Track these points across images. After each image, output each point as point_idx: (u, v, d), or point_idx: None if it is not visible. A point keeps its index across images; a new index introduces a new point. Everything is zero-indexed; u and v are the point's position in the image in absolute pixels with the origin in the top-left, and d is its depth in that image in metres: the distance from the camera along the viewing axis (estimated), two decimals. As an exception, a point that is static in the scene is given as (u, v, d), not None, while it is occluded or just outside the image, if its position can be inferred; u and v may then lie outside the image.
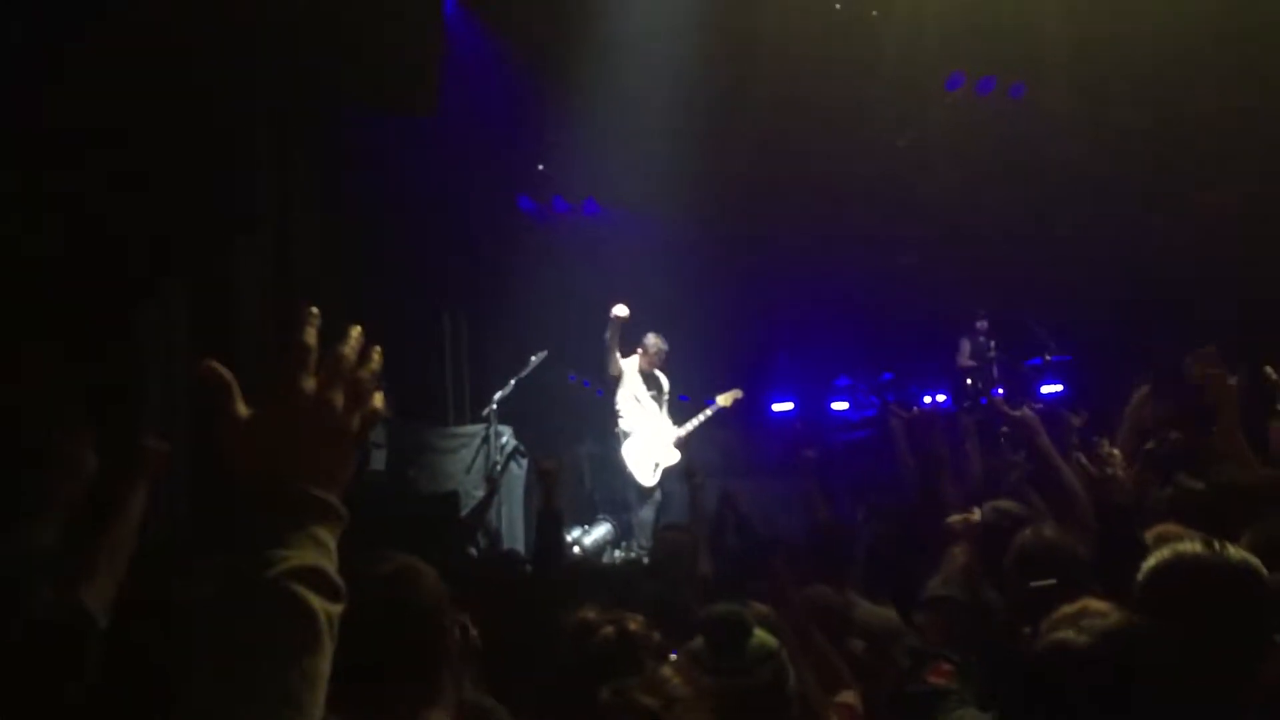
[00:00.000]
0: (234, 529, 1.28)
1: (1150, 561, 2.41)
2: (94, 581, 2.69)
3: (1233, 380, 4.32)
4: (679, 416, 9.56)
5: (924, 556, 4.29)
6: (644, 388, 9.39)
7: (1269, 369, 4.55)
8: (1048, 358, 11.46)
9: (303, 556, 1.25)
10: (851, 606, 4.08)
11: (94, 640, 2.38)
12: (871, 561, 4.95)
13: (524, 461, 9.18)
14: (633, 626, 2.44)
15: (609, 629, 2.43)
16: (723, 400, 9.52)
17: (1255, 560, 2.34)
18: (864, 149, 11.29)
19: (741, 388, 9.87)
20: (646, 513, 9.17)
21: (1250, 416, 4.57)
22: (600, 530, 9.64)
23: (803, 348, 12.15)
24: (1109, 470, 3.78)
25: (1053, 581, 3.01)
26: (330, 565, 1.27)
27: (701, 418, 9.48)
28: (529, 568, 4.95)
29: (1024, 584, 3.21)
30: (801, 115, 10.77)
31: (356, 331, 1.39)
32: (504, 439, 9.10)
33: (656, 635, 2.45)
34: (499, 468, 8.93)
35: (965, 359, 11.86)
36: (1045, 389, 11.47)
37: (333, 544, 1.30)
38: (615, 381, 9.37)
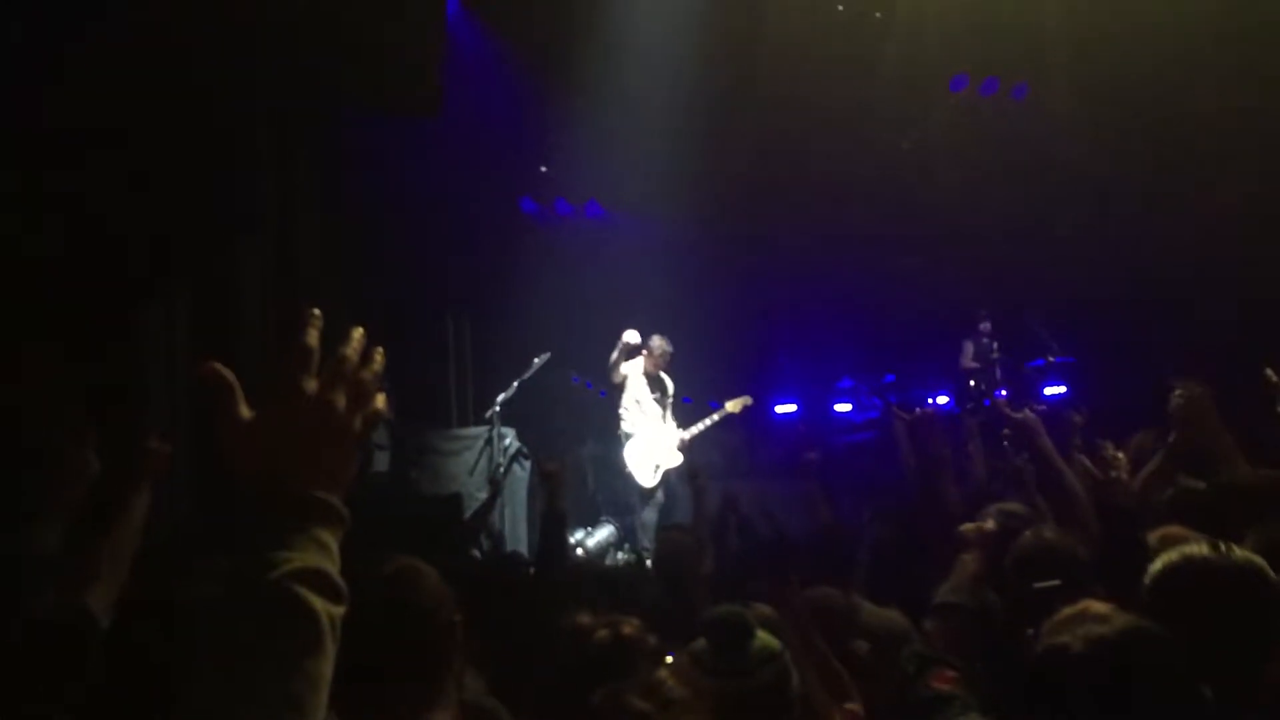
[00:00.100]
0: (236, 530, 1.28)
1: (1157, 564, 2.40)
2: (96, 582, 2.69)
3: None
4: (682, 418, 9.56)
5: (927, 559, 4.28)
6: (648, 390, 9.38)
7: (1269, 371, 4.55)
8: (1050, 359, 11.45)
9: (305, 558, 1.24)
10: (856, 608, 4.07)
11: (96, 641, 2.38)
12: (875, 564, 4.94)
13: (527, 463, 9.18)
14: (628, 630, 2.43)
15: (604, 632, 2.43)
16: (731, 406, 9.51)
17: (1261, 561, 2.34)
18: (867, 150, 11.29)
19: (744, 389, 9.87)
20: (649, 514, 9.17)
21: (1251, 418, 4.57)
22: (603, 532, 9.63)
23: (805, 349, 12.14)
24: (1113, 473, 3.77)
25: (1057, 582, 3.01)
26: (332, 566, 1.27)
27: (707, 421, 9.47)
28: (532, 570, 4.94)
29: (1023, 586, 3.21)
30: (804, 116, 10.77)
31: (358, 333, 1.39)
32: (507, 441, 9.10)
33: (653, 638, 2.44)
34: (502, 470, 8.92)
35: (968, 360, 11.84)
36: (1048, 390, 11.46)
37: (335, 545, 1.29)
38: (619, 384, 9.39)
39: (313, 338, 1.35)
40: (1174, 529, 3.15)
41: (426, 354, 10.27)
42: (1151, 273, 10.72)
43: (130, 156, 5.88)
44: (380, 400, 1.40)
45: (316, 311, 1.36)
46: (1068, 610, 2.23)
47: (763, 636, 2.88)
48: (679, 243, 11.46)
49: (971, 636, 3.47)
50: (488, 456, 9.01)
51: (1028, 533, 3.53)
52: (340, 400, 1.34)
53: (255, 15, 6.45)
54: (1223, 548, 2.36)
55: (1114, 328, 11.04)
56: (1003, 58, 10.85)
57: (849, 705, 3.19)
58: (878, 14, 10.51)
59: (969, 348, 11.86)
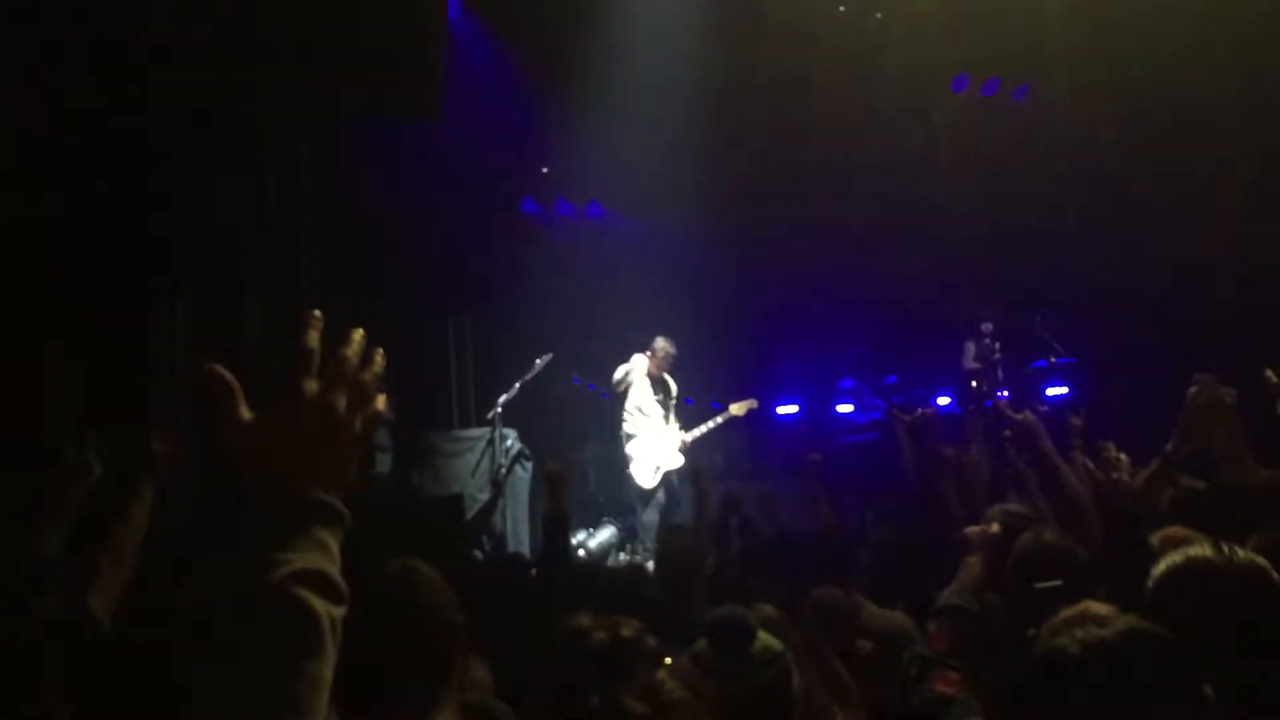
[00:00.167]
0: (236, 531, 1.28)
1: (1160, 566, 2.40)
2: (98, 584, 2.69)
3: (1229, 397, 4.34)
4: (684, 419, 9.56)
5: (929, 560, 4.28)
6: (651, 392, 9.38)
7: (1269, 373, 4.55)
8: (1053, 360, 11.45)
9: (306, 559, 1.25)
10: (859, 609, 4.07)
11: (97, 642, 2.39)
12: (877, 565, 4.94)
13: (529, 464, 9.18)
14: (626, 632, 2.43)
15: (602, 634, 2.42)
16: (736, 409, 9.50)
17: (1265, 563, 2.34)
18: (869, 151, 11.28)
19: (745, 389, 9.87)
20: (650, 515, 9.18)
21: (1251, 419, 4.57)
22: (605, 533, 9.64)
23: (807, 350, 12.14)
24: (1115, 474, 3.77)
25: (1058, 583, 3.01)
26: (333, 568, 1.28)
27: (711, 424, 9.47)
28: (534, 571, 4.94)
29: (1024, 587, 3.21)
30: (805, 117, 10.77)
31: (359, 334, 1.40)
32: (509, 442, 9.10)
33: (652, 640, 2.44)
34: (504, 471, 8.92)
35: (970, 361, 11.84)
36: (1050, 391, 11.46)
37: (335, 546, 1.30)
38: (621, 394, 9.41)
39: (313, 339, 1.35)
40: (1176, 530, 3.15)
41: (428, 355, 10.27)
42: (1153, 273, 10.71)
43: (136, 162, 5.89)
44: (381, 401, 1.40)
45: (317, 313, 1.36)
46: (1067, 612, 2.23)
47: (764, 638, 2.88)
48: (680, 243, 11.47)
49: (975, 639, 3.47)
50: (490, 458, 9.00)
51: (1028, 534, 3.53)
52: (340, 401, 1.34)
53: (259, 21, 6.45)
54: (1225, 549, 2.36)
55: (1116, 328, 11.03)
56: (1004, 58, 10.85)
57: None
58: (879, 14, 10.51)
59: (971, 348, 11.85)
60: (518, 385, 9.18)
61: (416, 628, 2.24)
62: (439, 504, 8.15)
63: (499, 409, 9.05)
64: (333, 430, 1.33)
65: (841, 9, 10.44)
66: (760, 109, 10.61)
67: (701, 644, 2.88)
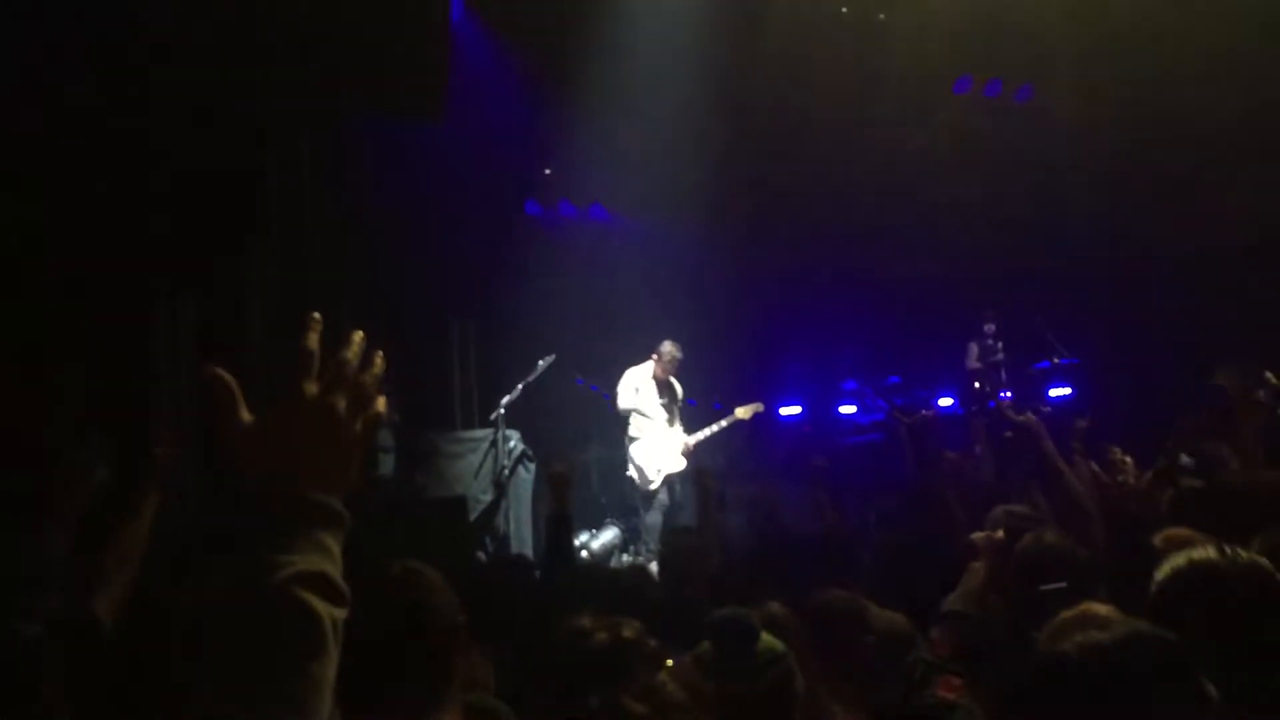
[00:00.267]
0: (237, 532, 1.28)
1: (1164, 567, 2.40)
2: (102, 585, 2.70)
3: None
4: (687, 421, 9.55)
5: (930, 562, 4.29)
6: (656, 395, 9.38)
7: (1269, 374, 4.56)
8: (1056, 360, 11.44)
9: (307, 561, 1.25)
10: (864, 610, 4.07)
11: (100, 643, 2.39)
12: (879, 567, 4.94)
13: (531, 465, 9.18)
14: (627, 633, 2.43)
15: (603, 635, 2.43)
16: (742, 413, 9.49)
17: (1268, 564, 2.34)
18: (871, 152, 11.28)
19: (748, 390, 9.87)
20: (654, 517, 9.18)
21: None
22: (608, 534, 9.64)
23: (810, 351, 12.14)
24: (1120, 477, 3.77)
25: (1063, 585, 3.01)
26: (334, 570, 1.28)
27: (716, 427, 9.46)
28: (537, 572, 4.94)
29: (1025, 588, 3.21)
30: (808, 118, 10.77)
31: (359, 336, 1.40)
32: (512, 443, 9.10)
33: (653, 641, 2.44)
34: (507, 472, 8.92)
35: (973, 361, 11.83)
36: (1053, 392, 11.45)
37: (337, 548, 1.30)
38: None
39: (313, 341, 1.35)
40: (1178, 531, 3.15)
41: (430, 356, 10.27)
42: (1156, 274, 10.72)
43: (138, 163, 5.90)
44: (381, 403, 1.41)
45: (317, 315, 1.37)
46: (1068, 614, 2.23)
47: (767, 639, 2.88)
48: (683, 244, 11.47)
49: (978, 645, 3.48)
50: (492, 459, 9.01)
51: (1028, 536, 3.53)
52: (341, 403, 1.35)
53: (262, 23, 6.46)
54: (1228, 551, 2.36)
55: (1118, 329, 11.03)
56: (1006, 59, 10.85)
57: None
58: (881, 16, 10.51)
59: (973, 349, 11.85)
60: (520, 386, 9.19)
61: (419, 629, 2.24)
62: (442, 505, 8.15)
63: (502, 410, 9.06)
64: (333, 432, 1.34)
65: (844, 10, 10.44)
66: (763, 110, 10.60)
67: (705, 645, 2.88)
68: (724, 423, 9.47)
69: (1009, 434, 6.60)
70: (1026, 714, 2.07)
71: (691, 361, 9.66)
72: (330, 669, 1.22)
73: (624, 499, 9.77)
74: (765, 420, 9.98)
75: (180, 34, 6.08)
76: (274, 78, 6.85)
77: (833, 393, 12.39)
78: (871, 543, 5.38)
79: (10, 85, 5.41)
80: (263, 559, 1.24)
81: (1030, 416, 4.79)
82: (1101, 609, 2.32)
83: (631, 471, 9.31)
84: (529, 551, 8.28)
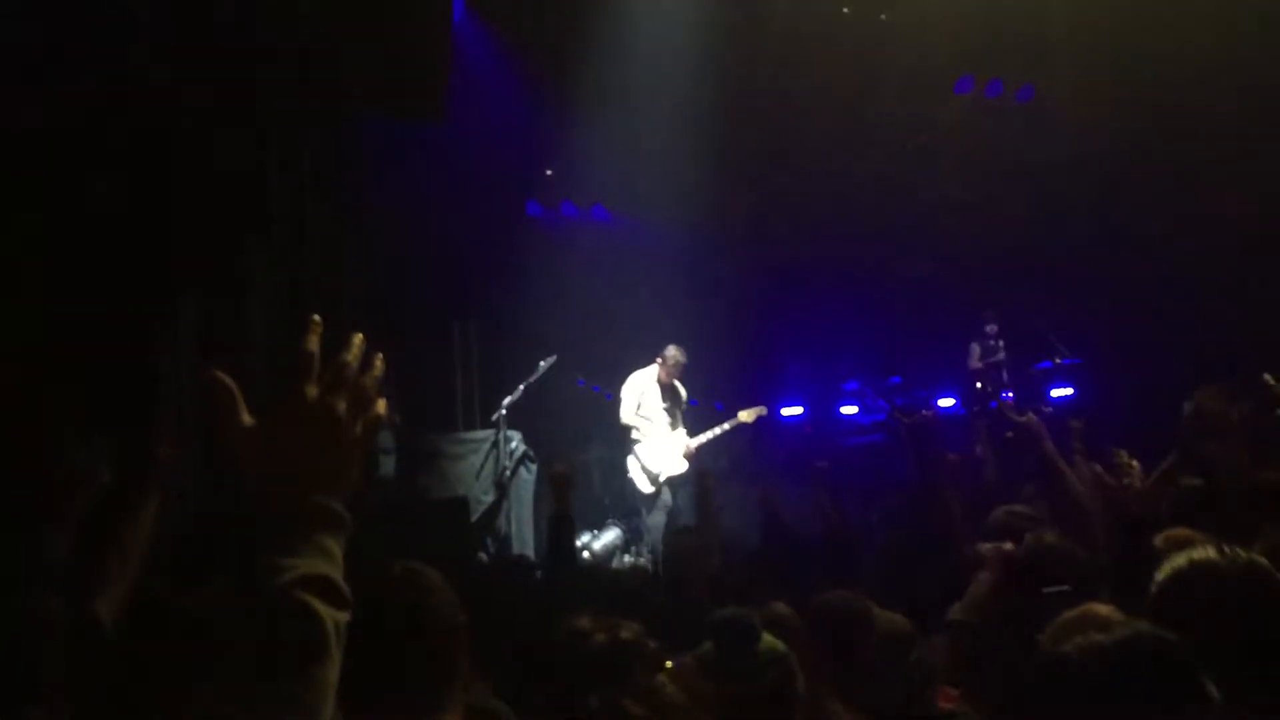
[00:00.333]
0: (239, 536, 1.29)
1: (1164, 568, 2.40)
2: (103, 587, 2.70)
3: (1236, 415, 4.38)
4: (690, 423, 9.55)
5: (932, 564, 4.29)
6: (660, 399, 9.37)
7: (1268, 376, 4.56)
8: (1058, 361, 11.44)
9: (310, 565, 1.25)
10: (869, 611, 4.07)
11: (101, 644, 2.39)
12: (881, 569, 4.95)
13: (533, 466, 9.18)
14: (626, 634, 2.43)
15: (602, 636, 2.43)
16: (745, 416, 9.49)
17: (1267, 563, 2.34)
18: (873, 152, 11.28)
19: (749, 391, 9.87)
20: (656, 517, 9.18)
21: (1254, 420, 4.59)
22: (609, 535, 9.64)
23: (811, 351, 12.14)
24: (1126, 480, 3.77)
25: (1066, 588, 3.01)
26: (337, 573, 1.28)
27: (718, 430, 9.45)
28: (539, 573, 4.95)
29: (1025, 589, 3.21)
30: (810, 118, 10.77)
31: (358, 339, 1.40)
32: (513, 444, 9.10)
33: (652, 642, 2.45)
34: (508, 473, 8.92)
35: (975, 362, 11.83)
36: (1055, 392, 11.45)
37: (339, 551, 1.30)
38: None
39: (313, 343, 1.36)
40: (1179, 531, 3.15)
41: (432, 357, 10.27)
42: (1158, 274, 10.71)
43: (136, 159, 5.90)
44: (381, 405, 1.41)
45: (317, 318, 1.37)
46: (1070, 614, 2.23)
47: (769, 639, 2.88)
48: (685, 244, 11.48)
49: (978, 654, 3.47)
50: (494, 460, 9.01)
51: (1029, 536, 3.53)
52: (341, 405, 1.35)
53: (264, 23, 6.46)
54: (1228, 551, 2.36)
55: (1120, 329, 11.03)
56: (1008, 60, 10.85)
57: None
58: (883, 16, 10.51)
59: (975, 349, 11.86)
60: (522, 387, 9.19)
61: (420, 629, 2.24)
62: (443, 506, 8.15)
63: (503, 411, 9.06)
64: (334, 434, 1.34)
65: (846, 10, 10.44)
66: (764, 110, 10.61)
67: (706, 645, 2.88)
68: (727, 426, 9.46)
69: (1010, 434, 6.60)
70: (1028, 715, 2.07)
71: (692, 362, 9.66)
72: (333, 672, 1.22)
73: (625, 499, 9.77)
74: (767, 421, 9.99)
75: (181, 34, 6.08)
76: (275, 78, 6.85)
77: (834, 393, 12.39)
78: (874, 544, 5.37)
79: (11, 84, 5.41)
80: (265, 562, 1.24)
81: (1031, 417, 4.78)
82: (1103, 610, 2.32)
83: (632, 473, 9.31)
84: (530, 552, 8.28)
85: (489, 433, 9.19)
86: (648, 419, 9.34)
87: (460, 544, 7.24)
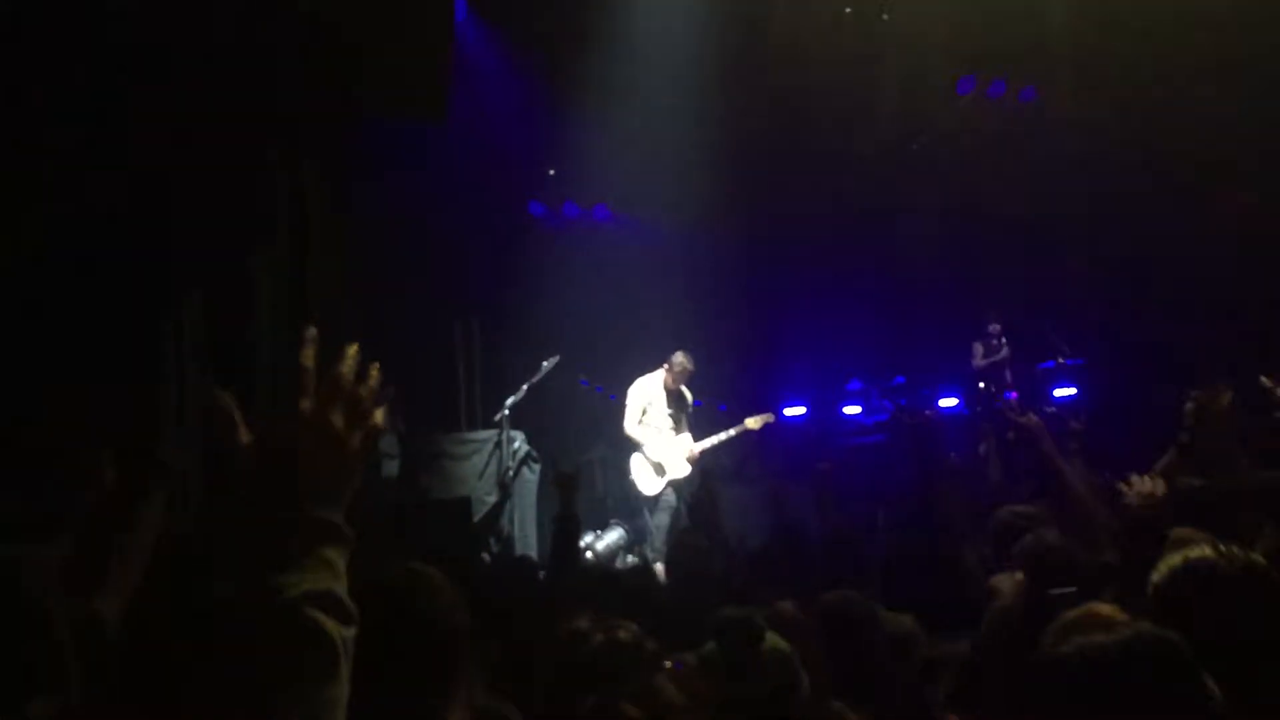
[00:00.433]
0: (244, 553, 1.28)
1: (1161, 568, 2.41)
2: (107, 591, 2.70)
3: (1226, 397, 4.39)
4: (696, 427, 9.53)
5: (935, 566, 4.29)
6: (665, 403, 9.36)
7: (1264, 378, 4.57)
8: (1061, 360, 11.44)
9: (314, 580, 1.25)
10: (875, 610, 4.08)
11: (103, 645, 2.39)
12: (886, 569, 4.95)
13: (536, 467, 9.18)
14: (623, 635, 2.43)
15: (600, 637, 2.43)
16: (752, 423, 9.46)
17: (1263, 562, 2.35)
18: (876, 152, 11.28)
19: (752, 390, 9.86)
20: (660, 518, 9.17)
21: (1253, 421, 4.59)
22: (613, 535, 9.63)
23: (814, 351, 12.13)
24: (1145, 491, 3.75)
25: (1073, 590, 3.01)
26: (341, 587, 1.28)
27: (724, 435, 9.44)
28: (542, 573, 4.95)
29: (1028, 588, 3.21)
30: (812, 118, 10.78)
31: (353, 350, 1.40)
32: (516, 444, 9.10)
33: (651, 643, 2.44)
34: (511, 473, 8.92)
35: (978, 361, 11.83)
36: (1058, 392, 11.45)
37: (342, 565, 1.30)
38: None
39: (308, 358, 1.36)
40: (1182, 531, 3.15)
41: (435, 357, 10.28)
42: (1160, 274, 10.71)
43: (138, 161, 5.90)
44: (379, 415, 1.41)
45: (313, 331, 1.37)
46: (1072, 614, 2.23)
47: (773, 639, 2.88)
48: (687, 244, 11.48)
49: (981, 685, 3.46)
50: (497, 460, 9.00)
51: (1029, 536, 3.53)
52: (337, 418, 1.35)
53: (263, 21, 6.47)
54: (1224, 549, 2.36)
55: (1123, 329, 11.02)
56: (1010, 60, 10.85)
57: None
58: (885, 16, 10.51)
59: (978, 349, 11.86)
60: (525, 387, 9.18)
61: (423, 630, 2.24)
62: (446, 506, 8.16)
63: (506, 411, 9.05)
64: (332, 448, 1.34)
65: (848, 10, 10.44)
66: (766, 110, 10.61)
67: (710, 645, 2.89)
68: (733, 432, 9.44)
69: (1011, 435, 6.61)
70: (1030, 716, 2.07)
71: (695, 362, 9.66)
72: (343, 688, 1.23)
73: (629, 500, 9.76)
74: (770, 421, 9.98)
75: (183, 35, 6.09)
76: (279, 79, 6.85)
77: (837, 393, 12.37)
78: (878, 544, 5.38)
79: (16, 85, 5.42)
80: (270, 579, 1.24)
81: (1031, 417, 4.79)
82: (1104, 609, 2.32)
83: (635, 475, 9.31)
84: (534, 553, 8.28)
85: (492, 433, 9.19)
86: (653, 424, 9.33)
87: (463, 544, 7.24)
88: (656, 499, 9.21)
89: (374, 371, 1.42)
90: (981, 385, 11.71)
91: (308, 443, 1.32)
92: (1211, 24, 9.31)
